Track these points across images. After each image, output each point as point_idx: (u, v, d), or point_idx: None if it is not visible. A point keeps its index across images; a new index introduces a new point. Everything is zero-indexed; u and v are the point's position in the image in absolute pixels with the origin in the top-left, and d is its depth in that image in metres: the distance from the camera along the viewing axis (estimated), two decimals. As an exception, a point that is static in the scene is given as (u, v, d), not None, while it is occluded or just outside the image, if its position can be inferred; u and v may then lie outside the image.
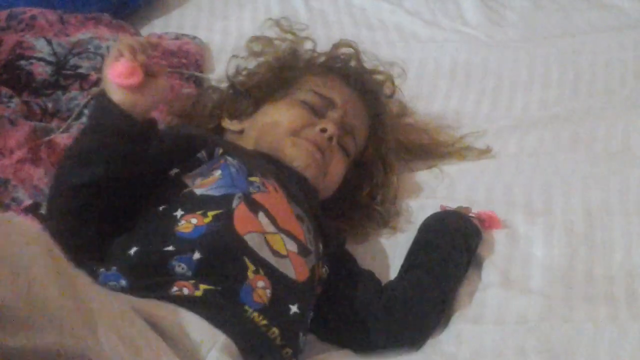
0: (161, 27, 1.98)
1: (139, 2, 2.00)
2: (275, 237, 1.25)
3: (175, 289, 1.16)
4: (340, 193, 1.50)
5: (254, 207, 1.26)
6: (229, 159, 1.32)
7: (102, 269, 1.19)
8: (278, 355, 1.19)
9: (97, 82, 1.68)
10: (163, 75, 1.28)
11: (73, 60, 1.72)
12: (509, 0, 2.10)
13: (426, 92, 1.83)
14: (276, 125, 1.45)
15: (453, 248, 1.40)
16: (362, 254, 1.47)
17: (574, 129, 1.71)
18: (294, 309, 1.21)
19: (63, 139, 1.47)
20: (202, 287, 1.16)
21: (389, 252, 1.49)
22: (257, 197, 1.27)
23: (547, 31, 2.01)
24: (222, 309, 1.15)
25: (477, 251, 1.44)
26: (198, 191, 1.27)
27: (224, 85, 1.63)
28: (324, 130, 1.44)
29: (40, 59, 1.70)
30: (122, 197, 1.24)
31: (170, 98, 1.65)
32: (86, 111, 1.63)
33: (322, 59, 1.60)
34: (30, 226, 1.00)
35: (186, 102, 1.62)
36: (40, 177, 1.38)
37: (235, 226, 1.22)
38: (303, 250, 1.27)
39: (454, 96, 1.84)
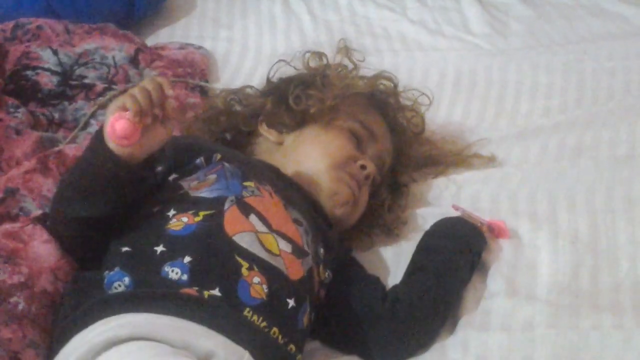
0: (166, 36, 1.99)
1: (144, 12, 2.01)
2: (267, 237, 1.26)
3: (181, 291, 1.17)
4: None
5: (246, 209, 1.27)
6: (226, 164, 1.34)
7: (106, 271, 1.21)
8: (285, 353, 1.20)
9: (102, 92, 1.69)
10: (171, 121, 1.25)
11: (79, 71, 1.73)
12: (513, 9, 2.11)
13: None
14: (326, 153, 1.45)
15: (456, 251, 1.41)
16: (368, 262, 1.48)
17: (578, 136, 1.71)
18: (291, 303, 1.23)
19: (72, 150, 1.47)
20: (207, 293, 1.17)
21: (394, 259, 1.50)
22: (250, 200, 1.29)
23: (550, 40, 2.01)
24: (225, 315, 1.16)
25: (482, 259, 1.44)
26: (192, 193, 1.29)
27: (262, 87, 1.61)
28: (363, 167, 1.46)
29: (46, 69, 1.71)
30: (122, 217, 1.27)
31: (176, 108, 1.66)
32: (92, 121, 1.64)
33: (364, 87, 1.58)
34: None
35: (223, 99, 1.60)
36: (49, 187, 1.39)
37: (224, 227, 1.24)
38: (298, 251, 1.28)
39: (458, 105, 1.84)
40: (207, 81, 1.82)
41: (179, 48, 1.89)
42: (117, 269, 1.21)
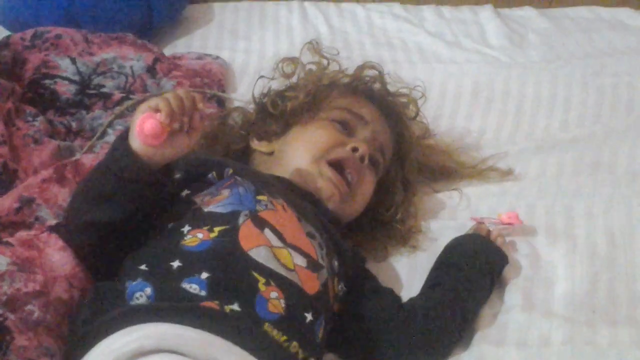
0: (184, 46, 2.00)
1: (163, 22, 2.01)
2: (282, 252, 1.25)
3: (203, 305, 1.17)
4: (363, 211, 1.51)
5: (260, 224, 1.27)
6: (239, 178, 1.34)
7: (128, 282, 1.21)
8: None
9: (120, 102, 1.70)
10: (197, 132, 1.27)
11: (97, 80, 1.73)
12: (531, 22, 2.10)
13: (447, 113, 1.83)
14: (308, 146, 1.46)
15: (476, 270, 1.40)
16: (383, 273, 1.47)
17: (596, 150, 1.70)
18: (309, 317, 1.22)
19: (89, 160, 1.47)
20: (227, 307, 1.17)
21: (409, 271, 1.49)
22: (264, 214, 1.29)
23: (568, 53, 2.01)
24: (247, 331, 1.16)
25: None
26: (206, 208, 1.29)
27: (250, 105, 1.63)
28: (355, 150, 1.45)
29: (64, 78, 1.71)
30: (136, 227, 1.27)
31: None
32: (110, 130, 1.64)
33: (347, 80, 1.60)
34: None
35: (211, 123, 1.62)
36: (65, 197, 1.38)
37: (240, 242, 1.23)
38: (313, 265, 1.28)
39: (476, 117, 1.84)
40: (224, 91, 1.83)
41: (196, 58, 1.89)
42: (139, 279, 1.20)
